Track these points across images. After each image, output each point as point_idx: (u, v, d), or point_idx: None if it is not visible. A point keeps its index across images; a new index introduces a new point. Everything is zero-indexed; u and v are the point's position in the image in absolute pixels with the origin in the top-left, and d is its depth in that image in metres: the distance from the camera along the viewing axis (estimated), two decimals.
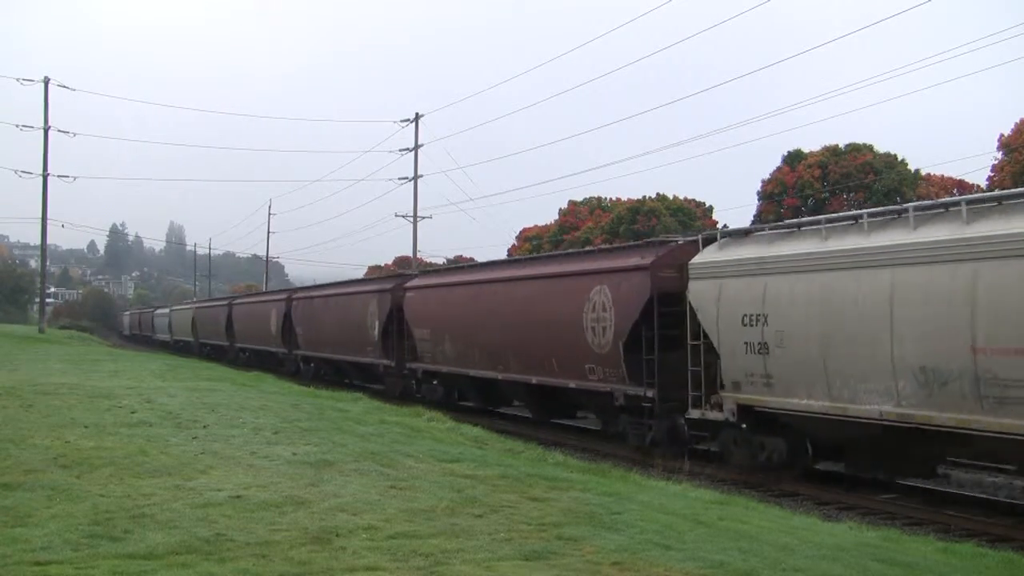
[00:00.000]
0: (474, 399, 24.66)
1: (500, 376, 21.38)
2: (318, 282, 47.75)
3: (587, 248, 25.47)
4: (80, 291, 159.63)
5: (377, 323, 27.98)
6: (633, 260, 16.99)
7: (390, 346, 27.28)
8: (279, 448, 10.48)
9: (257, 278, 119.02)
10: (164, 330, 70.57)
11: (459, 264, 31.95)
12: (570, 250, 25.14)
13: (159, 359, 35.60)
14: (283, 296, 40.53)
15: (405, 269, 43.35)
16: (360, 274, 72.23)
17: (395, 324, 26.93)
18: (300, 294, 39.10)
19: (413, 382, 26.56)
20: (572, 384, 18.50)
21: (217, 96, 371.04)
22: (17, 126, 49.87)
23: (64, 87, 50.76)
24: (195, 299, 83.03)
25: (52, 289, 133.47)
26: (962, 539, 10.16)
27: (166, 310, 74.69)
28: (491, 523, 7.10)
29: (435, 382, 25.29)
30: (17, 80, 48.76)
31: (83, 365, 24.33)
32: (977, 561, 8.03)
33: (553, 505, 8.10)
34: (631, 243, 19.83)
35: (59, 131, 50.06)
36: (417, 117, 46.94)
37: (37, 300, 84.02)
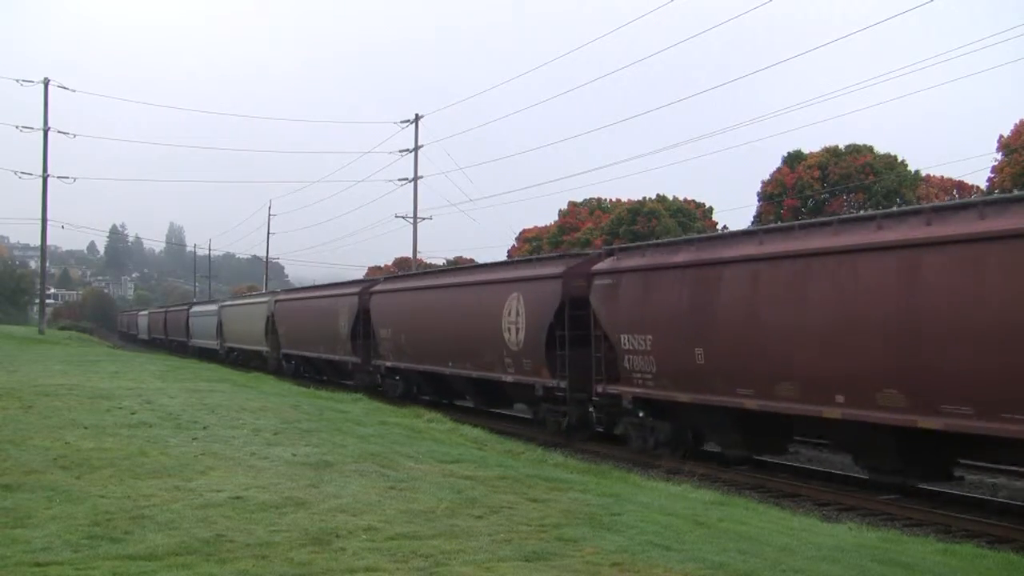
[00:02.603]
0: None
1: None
2: (317, 283, 49.42)
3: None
4: (80, 292, 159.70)
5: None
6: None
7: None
8: (279, 449, 10.48)
9: (257, 279, 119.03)
10: (207, 334, 53.98)
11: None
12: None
13: (159, 360, 35.61)
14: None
15: (405, 269, 43.94)
16: (360, 274, 72.64)
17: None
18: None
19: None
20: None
21: (217, 96, 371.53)
22: (17, 127, 49.93)
23: (64, 88, 50.84)
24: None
25: (52, 290, 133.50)
26: (962, 540, 10.17)
27: (212, 307, 55.69)
28: (491, 524, 7.11)
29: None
30: (17, 81, 48.91)
31: (83, 366, 24.33)
32: (977, 562, 8.03)
33: (553, 506, 8.10)
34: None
35: (59, 132, 50.18)
36: (417, 118, 46.96)
37: (37, 301, 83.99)
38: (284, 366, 38.91)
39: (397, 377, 27.58)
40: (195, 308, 62.63)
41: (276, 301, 40.92)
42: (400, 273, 31.37)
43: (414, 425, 16.09)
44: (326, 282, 44.26)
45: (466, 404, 25.84)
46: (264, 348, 41.26)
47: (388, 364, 27.68)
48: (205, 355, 52.42)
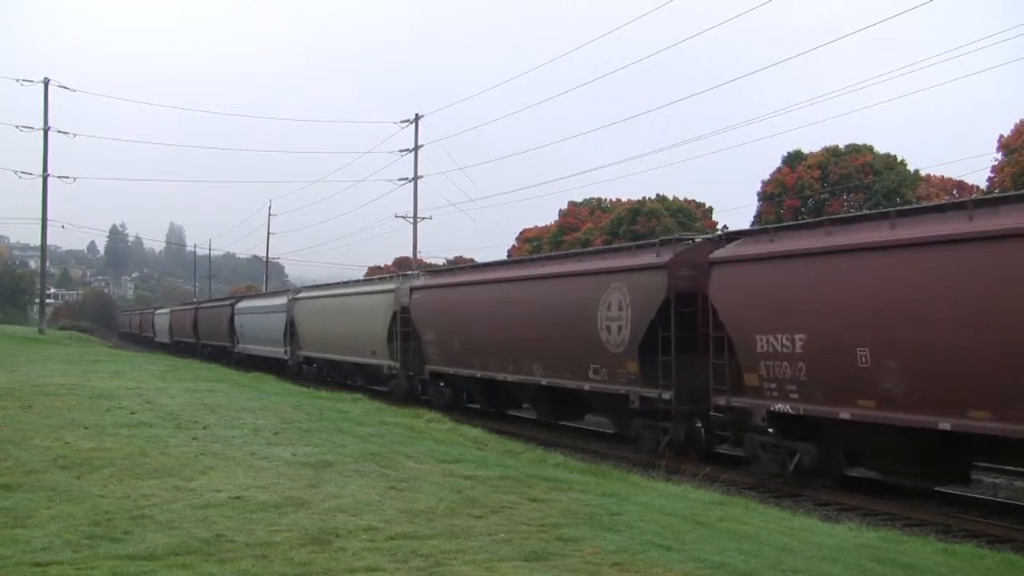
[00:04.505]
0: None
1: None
2: (318, 282, 46.26)
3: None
4: (80, 292, 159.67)
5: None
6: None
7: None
8: (279, 449, 10.48)
9: (257, 279, 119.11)
10: (266, 338, 41.59)
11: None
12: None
13: (159, 360, 35.60)
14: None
15: (405, 270, 42.72)
16: (360, 274, 70.57)
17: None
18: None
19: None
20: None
21: (217, 96, 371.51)
22: (17, 127, 49.98)
23: (64, 88, 50.93)
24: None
25: (52, 290, 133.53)
26: (962, 540, 10.17)
27: (276, 301, 41.76)
28: (491, 524, 7.10)
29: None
30: (17, 81, 48.98)
31: (83, 366, 24.32)
32: (977, 562, 8.04)
33: (553, 506, 8.09)
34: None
35: (59, 132, 50.21)
36: (417, 118, 46.98)
37: (37, 301, 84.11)
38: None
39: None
40: (244, 303, 48.00)
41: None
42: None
43: (414, 425, 16.08)
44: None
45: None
46: (388, 362, 28.16)
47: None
48: (260, 365, 40.16)
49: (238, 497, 7.60)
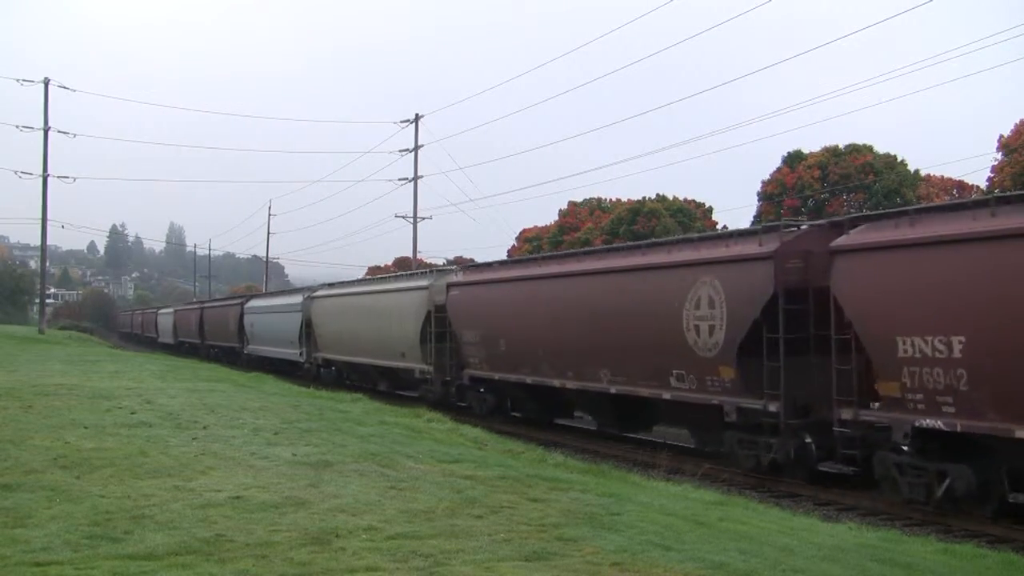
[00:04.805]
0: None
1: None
2: (318, 282, 44.19)
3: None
4: (80, 292, 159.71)
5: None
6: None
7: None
8: (279, 449, 10.48)
9: (257, 279, 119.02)
10: (279, 339, 39.52)
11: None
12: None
13: (159, 360, 35.60)
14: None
15: (405, 269, 41.94)
16: (360, 274, 69.66)
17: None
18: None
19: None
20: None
21: (217, 96, 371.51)
22: (17, 127, 49.99)
23: (64, 88, 50.95)
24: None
25: (52, 290, 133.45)
26: (962, 540, 10.17)
27: (290, 300, 39.66)
28: (491, 524, 7.10)
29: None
30: (17, 81, 48.99)
31: (83, 366, 24.33)
32: (977, 562, 8.03)
33: (553, 506, 8.09)
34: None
35: (59, 132, 50.21)
36: (417, 118, 47.00)
37: (37, 301, 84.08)
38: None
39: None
40: (255, 302, 46.13)
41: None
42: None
43: (414, 425, 16.08)
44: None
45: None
46: (420, 366, 25.63)
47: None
48: (271, 367, 38.83)
49: (238, 497, 7.60)
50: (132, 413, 13.16)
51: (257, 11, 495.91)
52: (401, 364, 26.32)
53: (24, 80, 49.12)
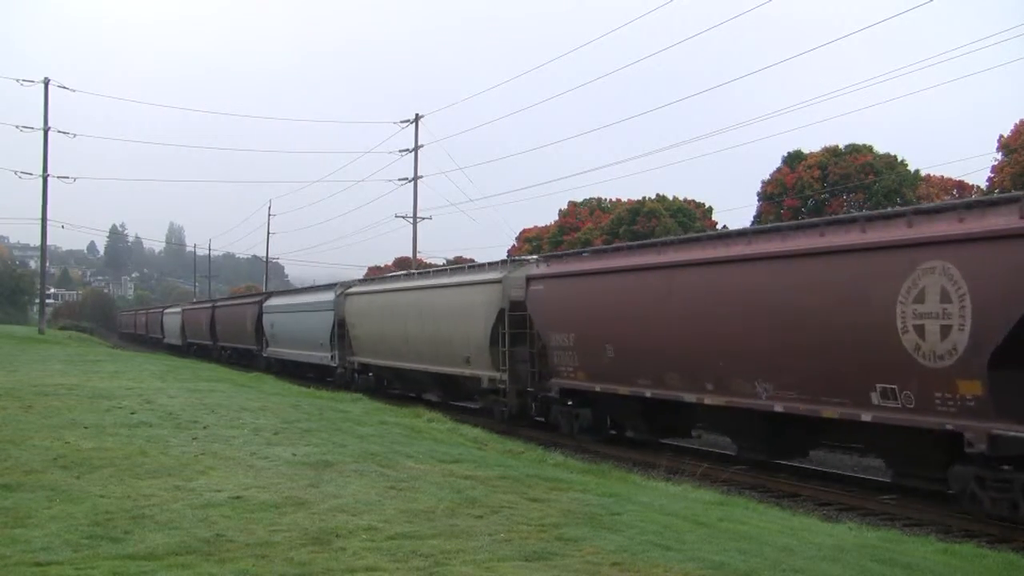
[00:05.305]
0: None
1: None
2: (319, 282, 42.44)
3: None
4: (80, 292, 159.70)
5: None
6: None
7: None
8: (279, 449, 10.48)
9: (257, 279, 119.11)
10: (307, 341, 35.45)
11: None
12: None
13: (159, 360, 35.60)
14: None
15: (405, 269, 40.91)
16: (360, 274, 65.57)
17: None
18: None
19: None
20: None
21: (217, 96, 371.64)
22: (17, 127, 50.01)
23: (64, 88, 50.95)
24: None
25: (52, 290, 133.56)
26: (962, 540, 10.16)
27: (322, 296, 35.14)
28: (491, 524, 7.10)
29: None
30: (17, 81, 49.02)
31: (83, 366, 24.33)
32: (977, 562, 8.03)
33: (553, 506, 8.09)
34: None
35: (59, 132, 50.23)
36: (417, 118, 46.99)
37: (37, 301, 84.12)
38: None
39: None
40: (276, 300, 41.85)
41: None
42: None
43: (414, 425, 16.09)
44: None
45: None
46: (490, 373, 21.94)
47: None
48: (296, 373, 36.13)
49: (238, 497, 7.61)
50: (132, 413, 13.16)
51: (257, 11, 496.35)
52: (465, 371, 22.63)
53: (24, 80, 49.22)
